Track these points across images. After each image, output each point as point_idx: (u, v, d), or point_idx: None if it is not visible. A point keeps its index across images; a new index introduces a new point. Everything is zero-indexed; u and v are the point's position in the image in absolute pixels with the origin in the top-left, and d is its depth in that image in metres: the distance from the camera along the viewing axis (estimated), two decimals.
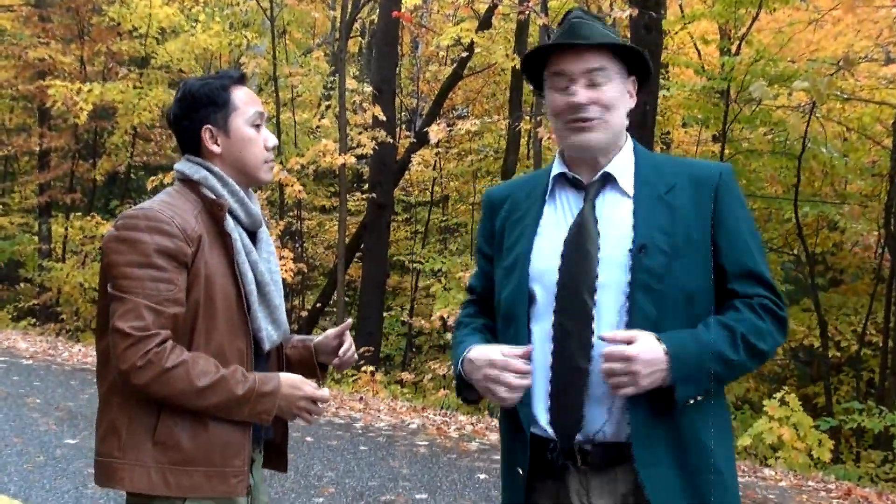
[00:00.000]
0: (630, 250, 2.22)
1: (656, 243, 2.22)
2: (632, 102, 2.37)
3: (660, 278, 2.20)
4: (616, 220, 2.28)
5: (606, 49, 2.29)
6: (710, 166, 2.37)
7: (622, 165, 2.34)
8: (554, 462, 2.29)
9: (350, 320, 2.88)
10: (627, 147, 2.38)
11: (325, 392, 2.53)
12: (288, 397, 2.47)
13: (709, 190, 2.28)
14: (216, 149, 2.54)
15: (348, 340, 2.78)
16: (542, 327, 2.30)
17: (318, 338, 2.82)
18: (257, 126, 2.58)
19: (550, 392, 2.27)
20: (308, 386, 2.51)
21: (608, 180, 2.33)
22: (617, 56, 2.31)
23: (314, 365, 2.81)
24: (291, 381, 2.50)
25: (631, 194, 2.30)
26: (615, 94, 2.29)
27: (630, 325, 2.20)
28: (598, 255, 2.24)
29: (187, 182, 2.55)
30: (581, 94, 2.27)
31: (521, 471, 2.32)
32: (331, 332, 2.81)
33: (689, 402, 2.19)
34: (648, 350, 2.13)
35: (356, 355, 2.83)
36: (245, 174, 2.57)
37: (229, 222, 2.50)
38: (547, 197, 2.41)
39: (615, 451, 2.23)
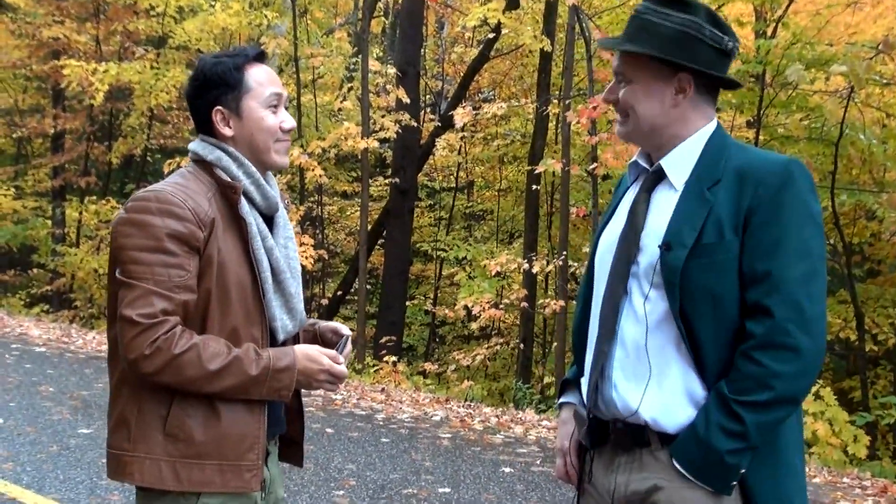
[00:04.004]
0: (659, 246, 2.22)
1: (681, 239, 2.19)
2: (676, 100, 2.31)
3: (677, 275, 2.18)
4: (660, 213, 2.28)
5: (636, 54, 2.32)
6: (767, 161, 2.25)
7: (680, 158, 2.32)
8: (589, 435, 2.38)
9: (350, 333, 2.74)
10: (697, 138, 2.33)
11: (343, 369, 2.48)
12: (305, 371, 2.42)
13: (751, 185, 2.18)
14: (227, 131, 2.48)
15: (344, 350, 2.62)
16: (596, 309, 2.37)
17: (322, 323, 2.77)
18: (274, 107, 2.50)
19: (590, 371, 2.34)
20: (326, 358, 2.45)
21: (660, 173, 2.33)
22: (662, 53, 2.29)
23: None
24: (308, 355, 2.44)
25: (679, 188, 2.28)
26: (633, 96, 2.32)
27: (648, 318, 2.23)
28: (639, 246, 2.27)
29: (201, 163, 2.50)
30: (608, 92, 2.37)
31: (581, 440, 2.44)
32: (333, 325, 2.75)
33: (734, 483, 2.16)
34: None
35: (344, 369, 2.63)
36: (258, 158, 2.51)
37: (244, 206, 2.44)
38: (631, 182, 2.46)
39: (639, 432, 2.25)
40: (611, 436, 2.33)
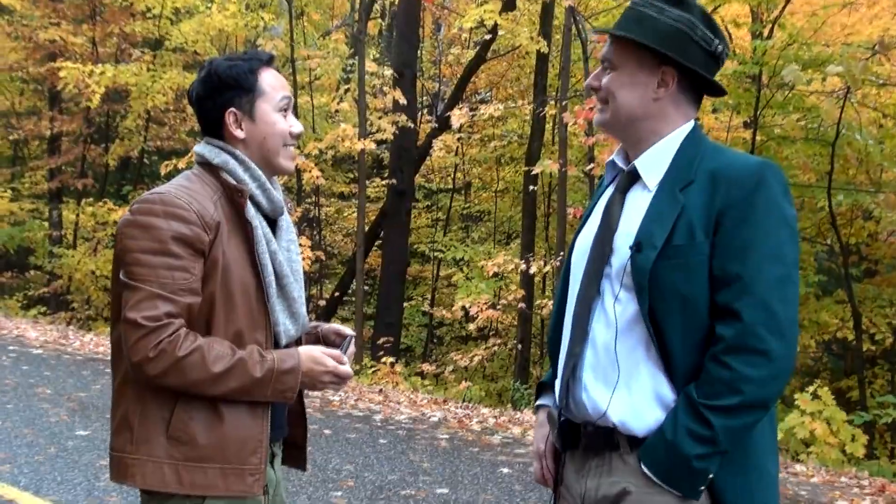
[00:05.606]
0: (630, 247, 2.20)
1: (652, 240, 2.17)
2: (657, 93, 2.29)
3: (646, 276, 2.15)
4: (634, 214, 2.26)
5: (626, 39, 2.30)
6: (740, 162, 2.22)
7: (654, 158, 2.30)
8: (561, 438, 2.37)
9: (353, 334, 2.74)
10: (673, 138, 2.31)
11: (347, 369, 2.48)
12: (310, 373, 2.42)
13: (723, 187, 2.16)
14: (240, 133, 2.47)
15: (347, 351, 2.61)
16: (570, 309, 2.35)
17: (325, 325, 2.77)
18: (284, 112, 2.51)
19: (562, 372, 2.32)
20: (330, 359, 2.45)
21: (635, 174, 2.31)
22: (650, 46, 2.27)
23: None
24: (312, 356, 2.44)
25: (653, 189, 2.26)
26: (615, 82, 2.30)
27: (618, 320, 2.21)
28: (612, 247, 2.25)
29: (207, 166, 2.48)
30: (593, 77, 2.36)
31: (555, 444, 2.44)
32: (336, 327, 2.76)
33: (702, 488, 2.14)
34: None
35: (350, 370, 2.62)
36: (267, 161, 2.50)
37: (250, 209, 2.43)
38: (608, 182, 2.45)
39: (609, 435, 2.23)
40: (582, 439, 2.31)
